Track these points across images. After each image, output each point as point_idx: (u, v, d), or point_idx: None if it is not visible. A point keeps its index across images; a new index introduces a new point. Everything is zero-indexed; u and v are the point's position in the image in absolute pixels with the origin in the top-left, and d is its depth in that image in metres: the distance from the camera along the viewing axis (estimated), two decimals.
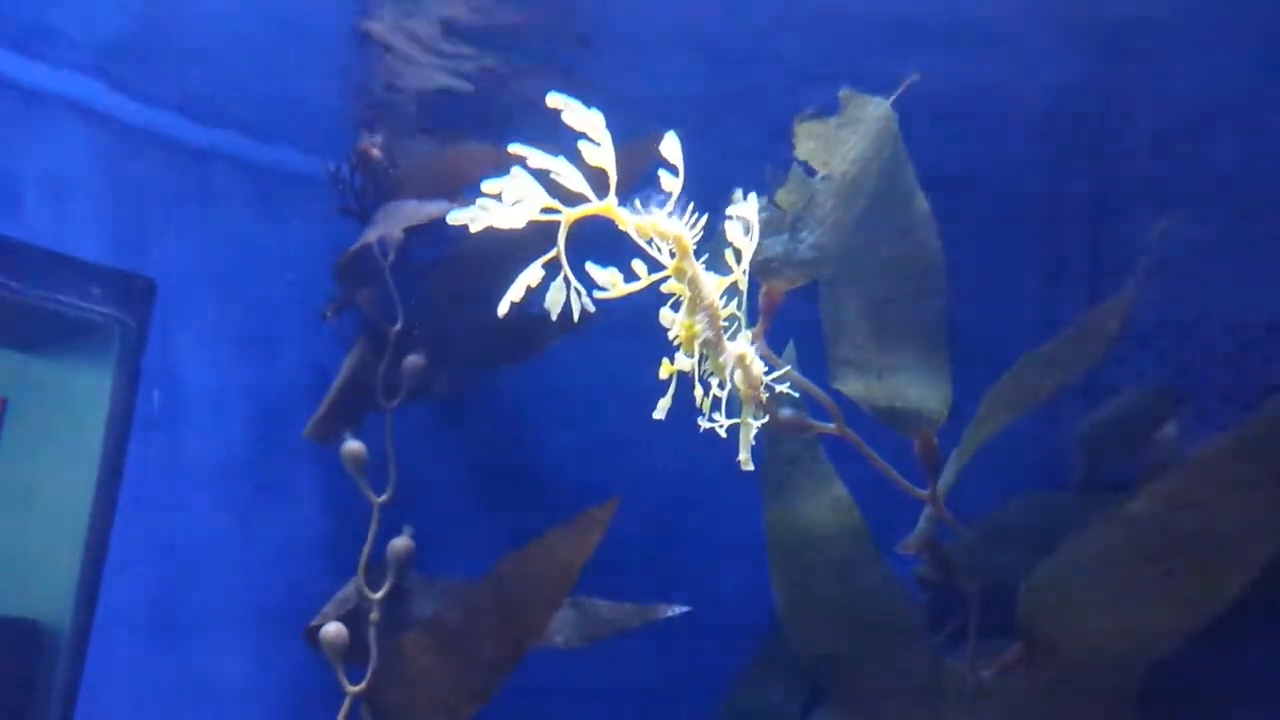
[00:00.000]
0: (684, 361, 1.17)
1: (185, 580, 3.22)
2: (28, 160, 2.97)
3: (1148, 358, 3.01)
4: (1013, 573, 2.34)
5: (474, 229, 1.13)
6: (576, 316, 1.13)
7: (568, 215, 1.11)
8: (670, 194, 1.12)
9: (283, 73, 3.09)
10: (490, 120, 3.12)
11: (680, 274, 1.14)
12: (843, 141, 2.08)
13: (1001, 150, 2.95)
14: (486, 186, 1.12)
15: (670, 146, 1.10)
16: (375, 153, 3.04)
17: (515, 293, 1.12)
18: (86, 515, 3.03)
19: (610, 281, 1.14)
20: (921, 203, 2.22)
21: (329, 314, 3.08)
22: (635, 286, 1.14)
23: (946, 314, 2.23)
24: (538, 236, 2.91)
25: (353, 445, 2.99)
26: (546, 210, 1.10)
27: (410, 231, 3.01)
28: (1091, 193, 3.11)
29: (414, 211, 2.87)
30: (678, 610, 2.89)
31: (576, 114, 1.08)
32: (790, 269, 1.95)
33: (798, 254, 1.96)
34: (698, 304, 1.15)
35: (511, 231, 3.03)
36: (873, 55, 2.27)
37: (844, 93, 2.17)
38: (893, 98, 2.16)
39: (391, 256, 3.03)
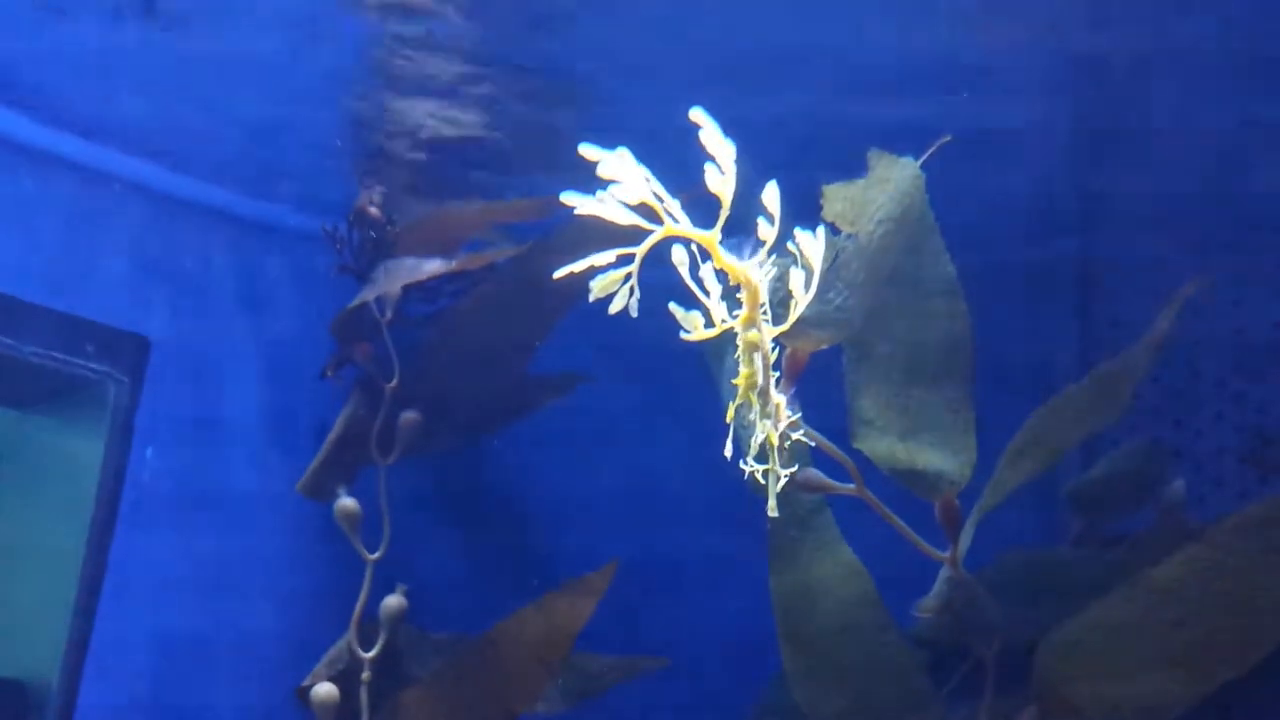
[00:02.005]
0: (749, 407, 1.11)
1: (176, 648, 3.06)
2: (24, 218, 2.83)
3: (1142, 412, 2.90)
4: (1012, 629, 2.24)
5: (579, 211, 1.03)
6: (619, 306, 1.05)
7: (670, 228, 1.02)
8: (764, 243, 1.05)
9: (282, 132, 2.97)
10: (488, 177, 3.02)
11: (750, 323, 1.07)
12: (871, 202, 1.99)
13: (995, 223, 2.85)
14: (587, 151, 1.01)
15: (770, 196, 1.05)
16: (373, 210, 2.93)
17: (578, 266, 1.04)
18: (77, 574, 2.88)
19: (692, 324, 1.08)
20: (947, 266, 2.13)
21: (328, 371, 2.96)
22: (713, 333, 1.07)
23: (974, 380, 2.13)
24: (537, 299, 2.83)
25: (346, 502, 2.85)
26: (648, 220, 1.02)
27: (408, 288, 2.90)
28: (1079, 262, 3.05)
29: (412, 270, 2.79)
30: (662, 662, 2.77)
31: (713, 139, 1.00)
32: (818, 330, 1.82)
33: (825, 315, 1.83)
34: (758, 352, 1.10)
35: (509, 293, 2.90)
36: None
37: (872, 153, 2.08)
38: (923, 159, 2.06)
39: (389, 314, 2.92)
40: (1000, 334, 2.34)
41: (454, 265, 2.80)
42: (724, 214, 1.00)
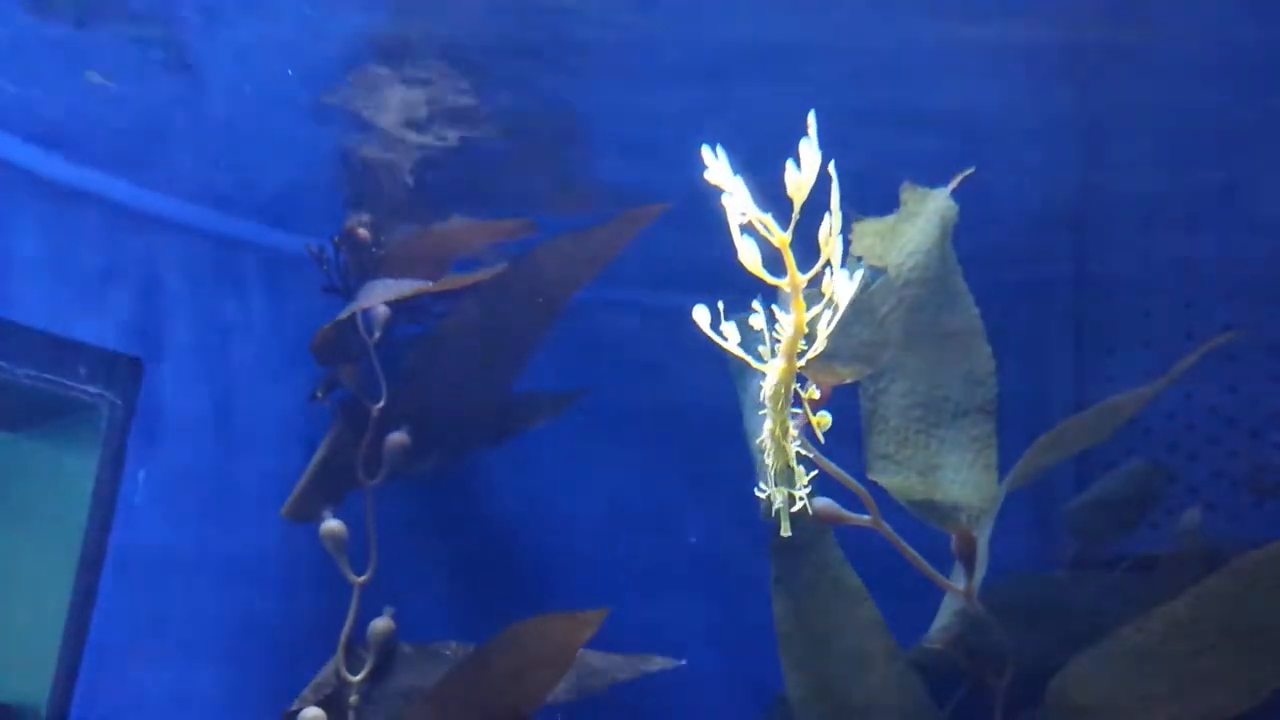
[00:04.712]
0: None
1: (167, 665, 2.91)
2: (18, 240, 2.71)
3: (1137, 435, 2.75)
4: (1021, 656, 2.11)
5: (708, 174, 0.88)
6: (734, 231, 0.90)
7: (782, 238, 0.90)
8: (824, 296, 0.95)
9: (271, 154, 2.84)
10: (474, 193, 2.89)
11: (785, 374, 0.99)
12: (901, 235, 1.96)
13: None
14: (705, 154, 0.87)
15: (835, 250, 0.93)
16: (362, 232, 2.79)
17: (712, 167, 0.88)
18: (68, 597, 2.76)
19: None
20: (970, 307, 2.06)
21: (318, 394, 2.83)
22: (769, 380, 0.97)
23: (997, 417, 2.04)
24: (520, 317, 2.71)
25: (332, 524, 2.70)
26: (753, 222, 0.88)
27: (397, 311, 2.76)
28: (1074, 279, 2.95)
29: (392, 288, 2.67)
30: (671, 663, 2.64)
31: (805, 145, 0.88)
32: (841, 364, 1.67)
33: (850, 349, 1.68)
34: (784, 398, 1.00)
35: (493, 311, 2.79)
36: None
37: (905, 186, 2.03)
38: (950, 188, 1.93)
39: (378, 334, 2.76)
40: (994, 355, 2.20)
41: (432, 285, 2.68)
42: (795, 215, 0.86)
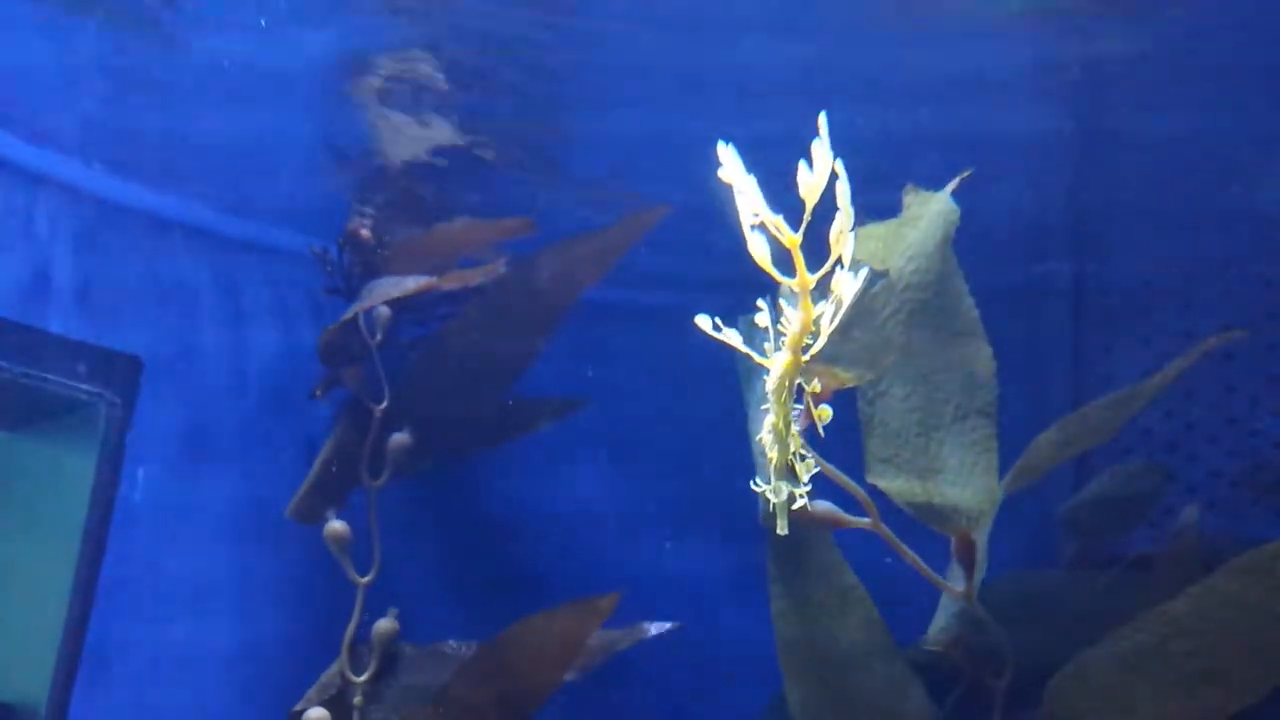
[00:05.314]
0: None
1: (168, 663, 2.89)
2: (16, 239, 2.71)
3: (1136, 434, 2.75)
4: (1019, 656, 2.09)
5: (723, 173, 0.87)
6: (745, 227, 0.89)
7: (792, 239, 0.89)
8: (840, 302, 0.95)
9: (272, 154, 2.85)
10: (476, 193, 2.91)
11: (790, 366, 0.98)
12: (903, 239, 1.94)
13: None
14: (721, 152, 0.87)
15: (844, 246, 0.92)
16: (365, 233, 2.78)
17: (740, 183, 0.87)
18: (67, 596, 2.73)
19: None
20: (970, 310, 2.06)
21: (318, 393, 2.81)
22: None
23: (997, 419, 2.05)
24: (522, 320, 2.71)
25: (336, 525, 2.70)
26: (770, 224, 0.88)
27: (399, 312, 2.77)
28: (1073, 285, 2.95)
29: (394, 286, 2.64)
30: (666, 627, 2.63)
31: (816, 146, 0.85)
32: (843, 368, 1.67)
33: (850, 353, 1.68)
34: (787, 391, 1.00)
35: (496, 312, 2.79)
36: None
37: (908, 189, 2.04)
38: (948, 189, 1.92)
39: (380, 335, 2.77)
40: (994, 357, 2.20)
41: (434, 281, 2.67)
42: (807, 216, 0.86)
